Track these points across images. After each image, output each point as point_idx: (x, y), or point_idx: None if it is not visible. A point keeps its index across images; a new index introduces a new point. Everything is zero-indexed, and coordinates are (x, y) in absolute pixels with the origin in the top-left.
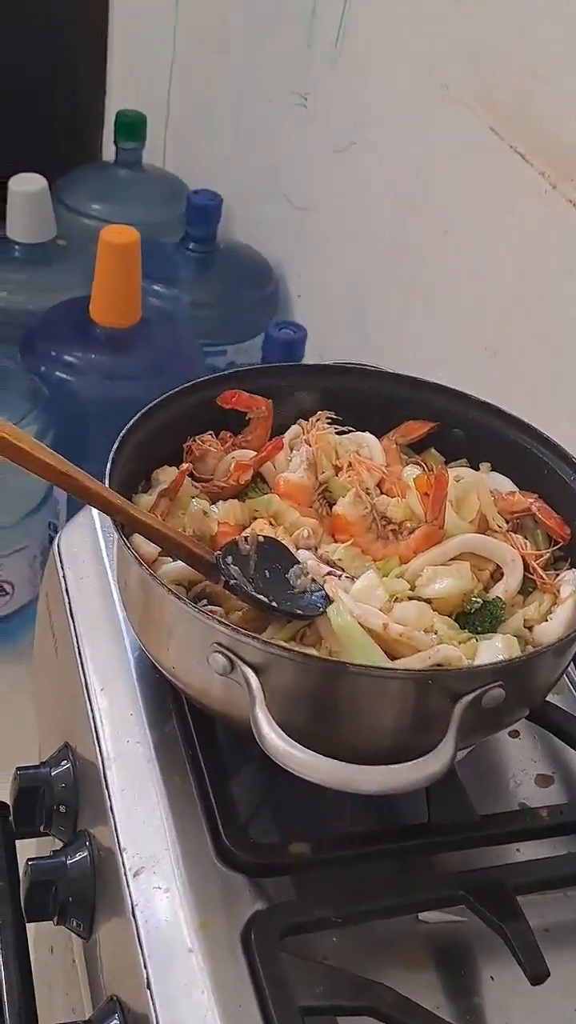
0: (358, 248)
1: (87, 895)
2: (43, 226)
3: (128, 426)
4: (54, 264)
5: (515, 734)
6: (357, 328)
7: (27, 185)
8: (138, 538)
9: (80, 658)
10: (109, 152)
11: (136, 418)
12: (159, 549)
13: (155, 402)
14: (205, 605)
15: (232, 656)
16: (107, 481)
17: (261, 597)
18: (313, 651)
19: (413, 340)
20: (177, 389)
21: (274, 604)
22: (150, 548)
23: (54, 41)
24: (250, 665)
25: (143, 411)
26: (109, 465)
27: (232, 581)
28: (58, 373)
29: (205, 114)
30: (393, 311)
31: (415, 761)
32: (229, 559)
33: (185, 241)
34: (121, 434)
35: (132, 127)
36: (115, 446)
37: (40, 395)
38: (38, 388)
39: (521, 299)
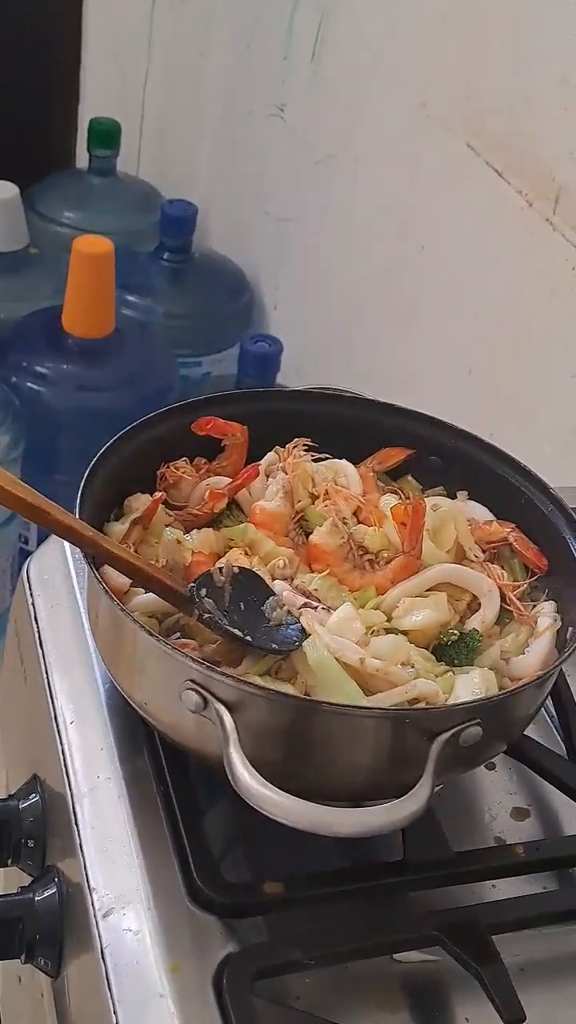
0: (336, 261)
1: (55, 933)
2: (15, 234)
3: (99, 455)
4: (26, 273)
5: (491, 766)
6: (334, 342)
7: None
8: (109, 569)
9: (49, 688)
10: (83, 160)
11: (107, 446)
12: (131, 580)
13: (128, 429)
14: (178, 638)
15: (205, 693)
16: (77, 512)
17: (236, 631)
18: (289, 686)
19: (391, 355)
20: (150, 415)
21: (249, 639)
22: (122, 580)
23: (27, 47)
24: (224, 703)
25: (115, 438)
26: (79, 496)
27: (206, 615)
28: (30, 384)
29: (180, 123)
30: (371, 326)
31: (391, 803)
32: (203, 591)
33: (160, 251)
34: (91, 463)
35: (106, 135)
36: (85, 476)
37: (11, 406)
38: (9, 399)
39: (500, 318)
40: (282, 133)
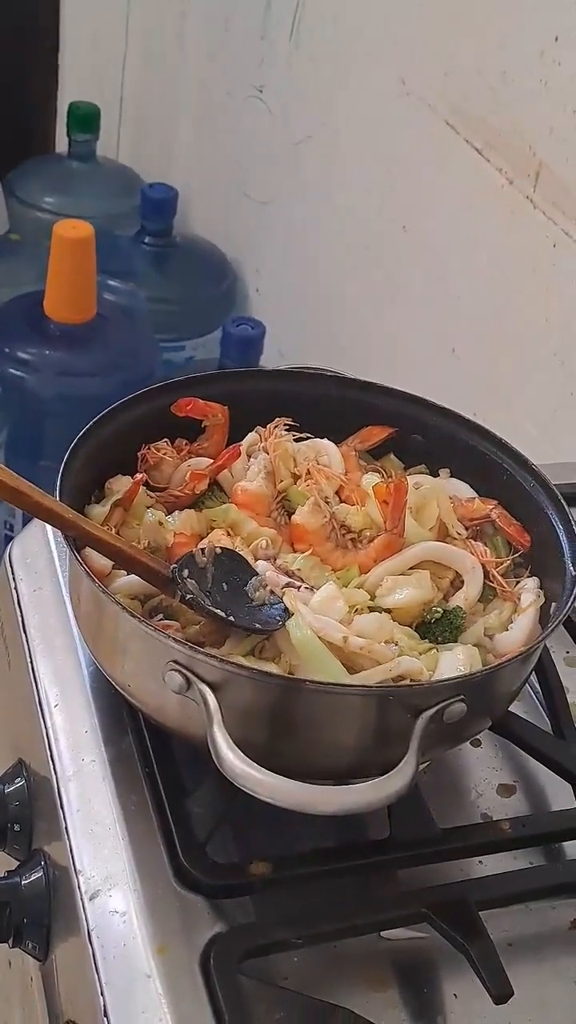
0: (317, 242)
1: (42, 916)
2: None
3: (78, 437)
4: (7, 259)
5: (476, 742)
6: (316, 324)
7: None
8: (91, 551)
9: (33, 672)
10: (62, 144)
11: (87, 428)
12: (112, 562)
13: (107, 410)
14: (161, 619)
15: (189, 674)
16: (57, 494)
17: (219, 612)
18: (272, 665)
19: (375, 336)
20: (130, 396)
21: (232, 619)
22: (103, 562)
23: (4, 33)
24: (207, 683)
25: (94, 420)
26: (59, 478)
27: (189, 596)
28: (12, 370)
29: (160, 106)
30: (354, 307)
31: (376, 780)
32: (185, 573)
33: (141, 235)
34: (71, 446)
35: (85, 119)
36: (65, 458)
37: None
38: None
39: (482, 296)
40: (261, 115)
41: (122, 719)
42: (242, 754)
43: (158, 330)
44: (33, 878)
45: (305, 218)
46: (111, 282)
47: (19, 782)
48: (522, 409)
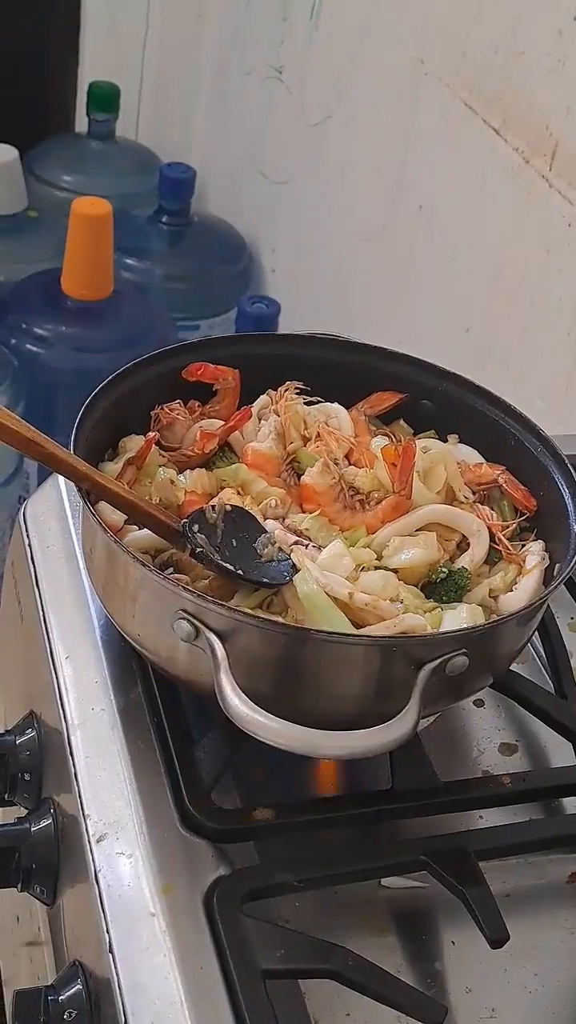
0: (333, 223)
1: (51, 862)
2: (14, 197)
3: (93, 393)
4: (25, 235)
5: (480, 703)
6: (331, 303)
7: None
8: (104, 506)
9: (45, 625)
10: (82, 123)
11: (102, 385)
12: (125, 517)
13: (121, 369)
14: (171, 573)
15: (197, 623)
16: (72, 448)
17: (228, 566)
18: (279, 619)
19: (389, 315)
20: (144, 357)
21: (240, 572)
22: (116, 516)
23: (26, 11)
24: (215, 632)
25: (109, 378)
26: (74, 432)
27: (199, 549)
28: (29, 345)
29: (179, 86)
30: (368, 287)
31: (380, 726)
32: (196, 527)
33: (158, 214)
34: (86, 401)
35: (105, 98)
36: (80, 413)
37: (10, 367)
38: (8, 360)
39: (496, 276)
40: (280, 95)
41: (131, 670)
42: (247, 699)
43: (174, 309)
44: (42, 824)
45: (321, 198)
46: (128, 260)
47: (30, 733)
48: (534, 386)
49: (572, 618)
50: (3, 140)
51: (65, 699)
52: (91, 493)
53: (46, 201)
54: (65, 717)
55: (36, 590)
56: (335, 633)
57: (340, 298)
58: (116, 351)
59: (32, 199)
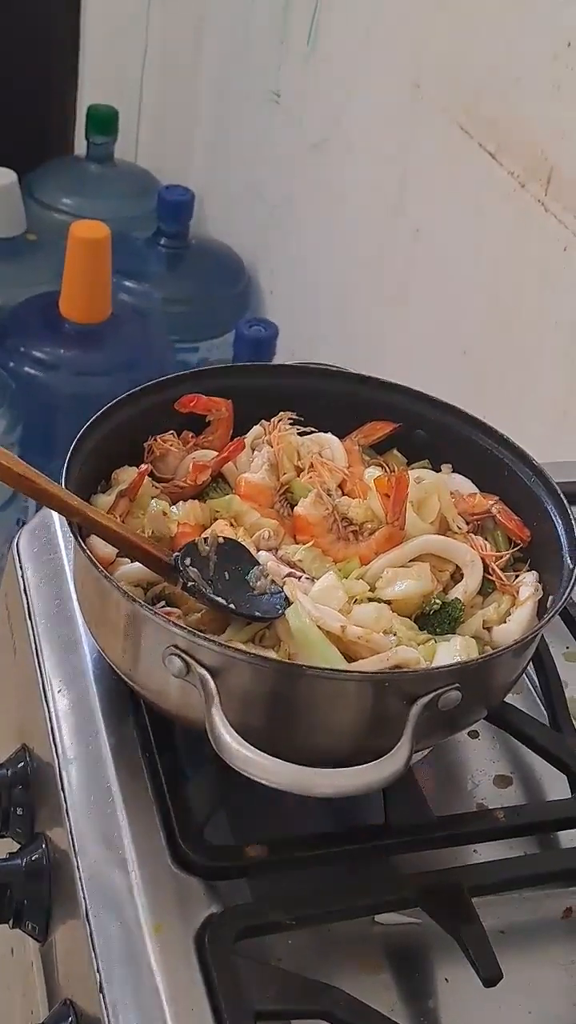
0: (330, 245)
1: (42, 898)
2: (13, 220)
3: (85, 426)
4: (24, 259)
5: (474, 734)
6: (329, 324)
7: None
8: (95, 539)
9: (38, 658)
10: (80, 146)
11: (94, 418)
12: (117, 550)
13: (115, 401)
14: (163, 606)
15: (188, 658)
16: (64, 482)
17: (219, 600)
18: (272, 653)
19: (387, 338)
20: (138, 388)
21: (232, 606)
22: (108, 549)
23: (25, 33)
24: (206, 667)
25: (102, 411)
26: (65, 466)
27: (190, 583)
28: (27, 368)
29: (179, 109)
30: (366, 308)
31: (371, 763)
32: (188, 561)
33: (157, 237)
34: (78, 435)
35: (104, 121)
36: (72, 447)
37: (8, 390)
38: (6, 383)
39: (493, 299)
40: (277, 118)
41: (124, 705)
42: (238, 736)
43: (172, 331)
44: (34, 859)
45: (319, 220)
46: (127, 283)
47: (22, 766)
48: (531, 409)
49: (568, 648)
50: (2, 163)
51: (57, 733)
52: (83, 527)
53: (45, 224)
54: (57, 751)
55: (29, 621)
56: (327, 669)
57: (338, 320)
58: (115, 374)
59: (31, 222)
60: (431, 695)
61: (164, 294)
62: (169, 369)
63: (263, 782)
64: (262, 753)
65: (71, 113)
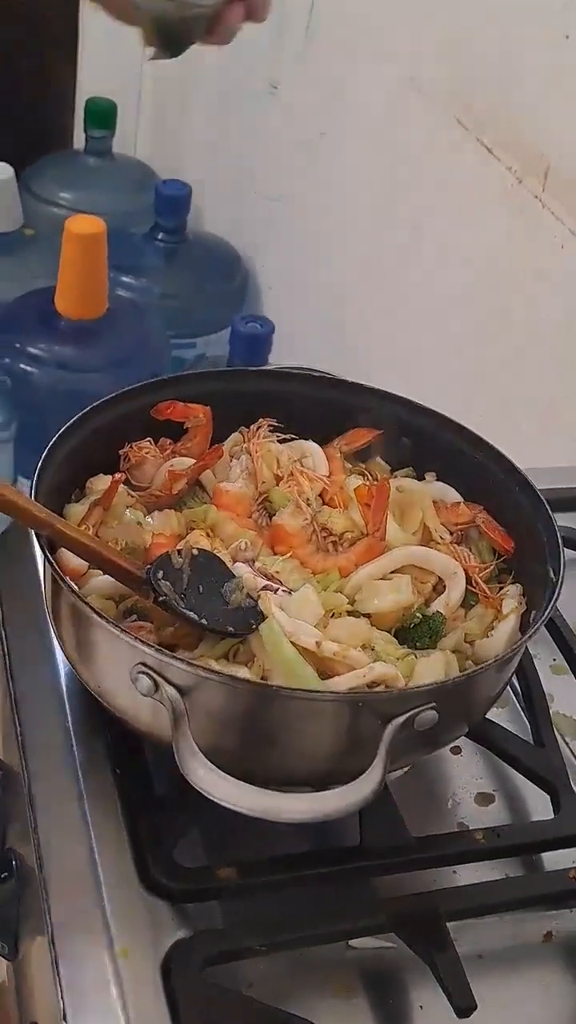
0: (328, 240)
1: (10, 917)
2: (10, 215)
3: (57, 435)
4: (21, 254)
5: (456, 751)
6: (326, 320)
7: None
8: (67, 551)
9: (9, 672)
10: (79, 140)
11: (67, 425)
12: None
13: (87, 409)
14: (134, 620)
15: (157, 677)
16: (32, 493)
17: (191, 614)
18: (245, 669)
19: (381, 333)
20: (111, 395)
21: (204, 622)
22: (78, 562)
23: (24, 29)
24: (175, 686)
25: (76, 417)
26: (35, 476)
27: (162, 598)
28: (22, 364)
29: (177, 103)
30: (362, 305)
31: (343, 787)
32: (160, 574)
33: (154, 231)
34: (48, 445)
35: (102, 115)
36: (42, 458)
37: (4, 386)
38: (2, 379)
39: (488, 295)
40: (275, 112)
41: (95, 722)
42: (205, 759)
43: (169, 326)
44: (2, 877)
45: (316, 215)
46: (123, 278)
47: None
48: (521, 409)
49: (555, 660)
50: (0, 158)
51: (27, 749)
52: (52, 540)
53: (42, 219)
54: (26, 767)
55: (2, 635)
56: (298, 690)
57: (335, 316)
58: (111, 370)
59: (28, 217)
60: (406, 715)
61: (161, 289)
62: (166, 365)
63: (229, 807)
64: (229, 777)
65: (69, 107)
